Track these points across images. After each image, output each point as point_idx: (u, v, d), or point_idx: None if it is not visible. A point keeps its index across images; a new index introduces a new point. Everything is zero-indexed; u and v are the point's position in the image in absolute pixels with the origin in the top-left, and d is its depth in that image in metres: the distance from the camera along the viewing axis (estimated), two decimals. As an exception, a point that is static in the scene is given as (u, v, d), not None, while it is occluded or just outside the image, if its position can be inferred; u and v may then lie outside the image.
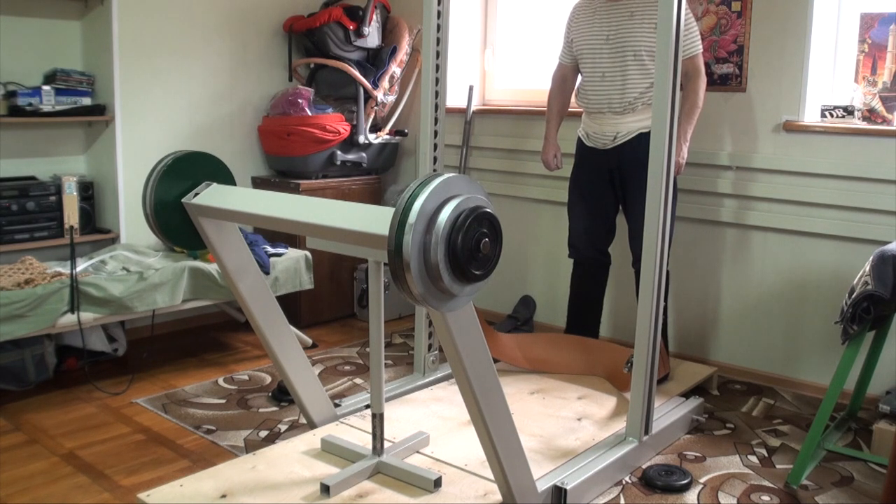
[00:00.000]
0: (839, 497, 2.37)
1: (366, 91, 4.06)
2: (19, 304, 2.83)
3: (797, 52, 3.14)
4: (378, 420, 2.27)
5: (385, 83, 4.13)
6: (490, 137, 4.10)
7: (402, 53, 4.18)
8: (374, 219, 1.78)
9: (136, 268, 3.20)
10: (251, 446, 2.62)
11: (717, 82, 3.32)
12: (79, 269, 3.10)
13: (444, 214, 1.60)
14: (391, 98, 4.22)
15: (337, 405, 2.75)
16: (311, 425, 2.59)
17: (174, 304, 3.25)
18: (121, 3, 3.46)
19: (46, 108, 3.31)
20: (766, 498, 2.36)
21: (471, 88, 4.13)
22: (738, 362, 3.44)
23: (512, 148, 4.01)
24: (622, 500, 2.34)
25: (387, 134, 4.24)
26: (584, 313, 3.32)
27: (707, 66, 3.27)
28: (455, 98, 4.08)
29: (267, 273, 3.45)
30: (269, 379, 3.31)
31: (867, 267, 2.38)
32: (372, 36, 4.12)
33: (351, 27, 4.03)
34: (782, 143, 3.21)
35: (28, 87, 3.30)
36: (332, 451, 2.39)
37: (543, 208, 3.95)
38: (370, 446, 2.30)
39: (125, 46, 3.54)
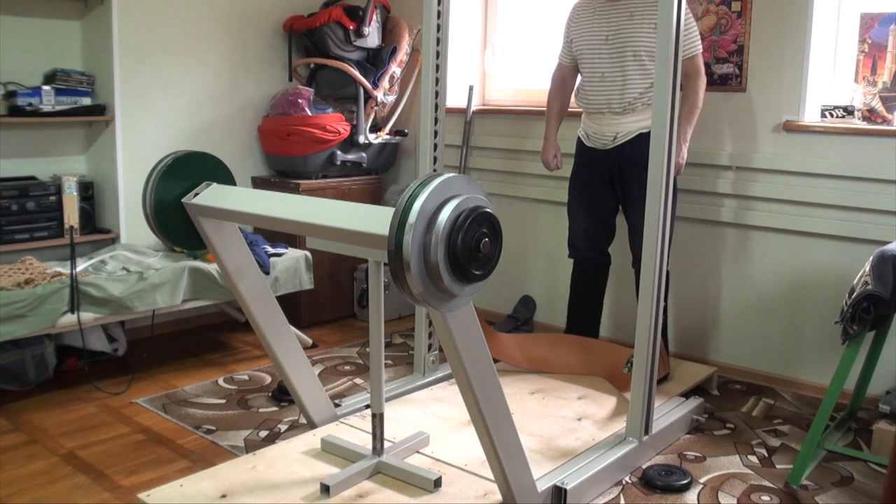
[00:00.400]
0: (839, 497, 2.37)
1: (366, 91, 4.06)
2: (19, 304, 2.83)
3: (797, 52, 3.14)
4: (378, 420, 2.27)
5: (385, 83, 4.13)
6: (490, 137, 4.10)
7: (402, 53, 4.18)
8: (374, 219, 1.78)
9: (136, 268, 3.20)
10: (251, 446, 2.62)
11: (717, 82, 3.32)
12: (79, 269, 3.10)
13: (444, 214, 1.60)
14: (391, 98, 4.22)
15: (337, 405, 2.75)
16: (311, 425, 2.59)
17: (174, 304, 3.25)
18: (121, 3, 3.46)
19: (46, 108, 3.31)
20: (766, 498, 2.36)
21: (471, 88, 4.13)
22: (738, 362, 3.44)
23: (512, 148, 4.01)
24: (622, 500, 2.34)
25: (387, 134, 4.24)
26: (584, 313, 3.32)
27: (707, 66, 3.27)
28: (455, 98, 4.08)
29: (267, 273, 3.45)
30: (269, 379, 3.31)
31: (867, 267, 2.38)
32: (372, 36, 4.12)
33: (351, 27, 4.03)
34: (782, 143, 3.21)
35: (28, 87, 3.30)
36: (332, 451, 2.39)
37: (543, 208, 3.95)
38: (370, 446, 2.30)
39: (125, 46, 3.54)
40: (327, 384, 3.22)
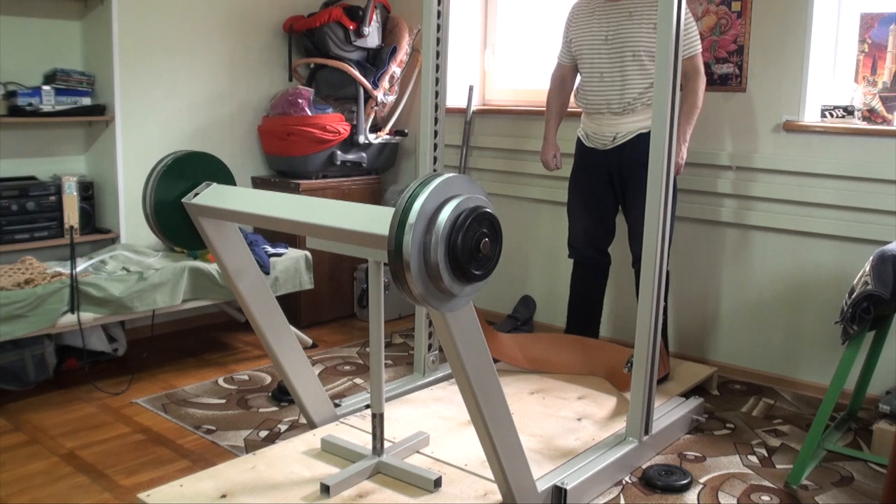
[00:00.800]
0: (839, 497, 2.37)
1: (366, 91, 4.06)
2: (19, 304, 2.83)
3: (797, 52, 3.14)
4: (378, 420, 2.27)
5: (385, 83, 4.13)
6: (490, 137, 4.10)
7: (402, 53, 4.18)
8: (374, 219, 1.78)
9: (136, 268, 3.20)
10: (251, 446, 2.62)
11: (717, 82, 3.32)
12: (79, 269, 3.10)
13: (444, 214, 1.60)
14: (391, 98, 4.22)
15: (337, 405, 2.75)
16: (311, 425, 2.59)
17: (174, 304, 3.25)
18: (121, 3, 3.46)
19: (46, 108, 3.31)
20: (766, 498, 2.36)
21: (471, 88, 4.13)
22: (738, 362, 3.44)
23: (512, 148, 4.01)
24: (622, 500, 2.34)
25: (387, 134, 4.24)
26: (584, 313, 3.32)
27: (707, 66, 3.27)
28: (455, 98, 4.08)
29: (267, 273, 3.45)
30: (269, 379, 3.31)
31: (867, 267, 2.38)
32: (372, 36, 4.12)
33: (351, 27, 4.03)
34: (782, 143, 3.21)
35: (28, 87, 3.30)
36: (332, 451, 2.39)
37: (543, 208, 3.95)
38: (370, 446, 2.30)
39: (125, 46, 3.54)
40: (327, 384, 3.22)
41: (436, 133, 2.93)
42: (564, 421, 2.70)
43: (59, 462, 2.54)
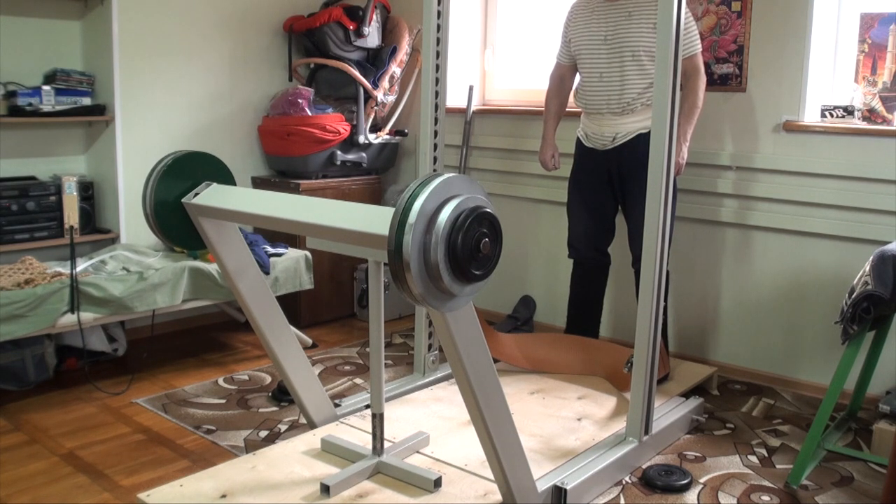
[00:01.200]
0: (839, 497, 2.37)
1: (366, 91, 4.06)
2: (19, 304, 2.83)
3: (797, 52, 3.14)
4: (378, 420, 2.27)
5: (385, 83, 4.13)
6: (490, 137, 4.10)
7: (402, 53, 4.18)
8: (374, 219, 1.78)
9: (136, 268, 3.20)
10: (251, 446, 2.62)
11: (717, 82, 3.32)
12: (79, 269, 3.10)
13: (444, 214, 1.60)
14: (391, 98, 4.22)
15: (337, 405, 2.75)
16: (311, 425, 2.59)
17: (174, 304, 3.25)
18: (121, 3, 3.46)
19: (46, 108, 3.31)
20: (766, 498, 2.36)
21: (471, 88, 4.13)
22: (738, 362, 3.44)
23: (512, 148, 4.01)
24: (622, 500, 2.34)
25: (387, 134, 4.24)
26: (583, 313, 3.32)
27: (707, 66, 3.27)
28: (455, 98, 4.08)
29: (267, 273, 3.45)
30: (269, 379, 3.31)
31: (867, 267, 2.38)
32: (372, 36, 4.12)
33: (351, 27, 4.03)
34: (782, 143, 3.21)
35: (28, 87, 3.30)
36: (332, 451, 2.39)
37: (543, 208, 3.95)
38: (370, 446, 2.30)
39: (125, 46, 3.54)
40: (327, 384, 3.22)
41: (436, 133, 2.93)
42: (564, 421, 2.70)
43: (59, 462, 2.54)
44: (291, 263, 3.61)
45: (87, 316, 3.02)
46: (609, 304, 3.58)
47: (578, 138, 3.22)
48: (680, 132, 2.92)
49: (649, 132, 2.39)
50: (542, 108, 3.37)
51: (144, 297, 3.14)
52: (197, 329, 3.99)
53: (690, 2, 3.31)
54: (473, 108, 4.14)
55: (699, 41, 2.99)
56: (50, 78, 3.39)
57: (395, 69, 4.17)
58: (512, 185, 4.04)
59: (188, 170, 2.24)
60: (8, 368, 3.07)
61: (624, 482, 2.44)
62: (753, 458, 2.63)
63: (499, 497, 2.10)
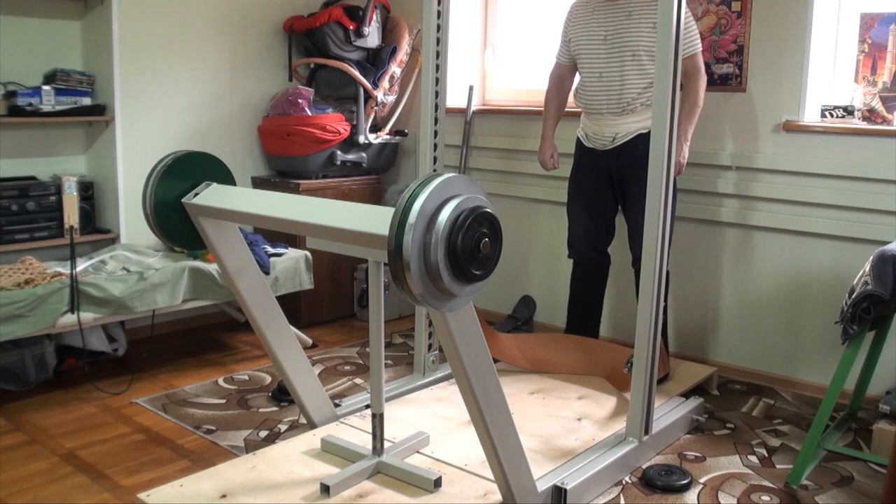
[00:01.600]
0: (839, 497, 2.37)
1: (366, 91, 4.06)
2: (19, 304, 2.83)
3: (797, 52, 3.14)
4: (378, 420, 2.27)
5: (385, 83, 4.13)
6: (490, 137, 4.10)
7: (402, 53, 4.18)
8: (374, 219, 1.78)
9: (136, 268, 3.20)
10: (251, 446, 2.62)
11: (717, 82, 3.32)
12: (79, 269, 3.10)
13: (444, 214, 1.60)
14: (391, 98, 4.22)
15: (337, 405, 2.75)
16: (311, 425, 2.59)
17: (174, 304, 3.25)
18: (121, 3, 3.46)
19: (46, 108, 3.31)
20: (766, 498, 2.36)
21: (471, 88, 4.13)
22: (738, 362, 3.43)
23: (512, 148, 4.01)
24: (622, 500, 2.34)
25: (387, 134, 4.24)
26: (583, 313, 3.32)
27: (707, 66, 3.27)
28: (455, 98, 4.08)
29: (267, 273, 3.45)
30: (269, 379, 3.31)
31: (867, 267, 2.38)
32: (372, 36, 4.12)
33: (351, 27, 4.03)
34: (782, 143, 3.21)
35: (28, 87, 3.30)
36: (332, 451, 2.39)
37: (543, 208, 3.95)
38: (370, 446, 2.30)
39: (125, 46, 3.54)
40: (327, 384, 3.22)
41: (436, 133, 2.93)
42: (564, 421, 2.70)
43: (59, 462, 2.54)
44: (291, 263, 3.61)
45: (87, 316, 3.02)
46: (609, 304, 3.58)
47: (578, 138, 3.22)
48: (680, 132, 2.92)
49: (649, 132, 2.39)
50: (542, 108, 3.37)
51: (144, 297, 3.14)
52: (197, 329, 3.99)
53: (690, 2, 3.31)
54: (473, 108, 4.14)
55: (699, 41, 2.99)
56: (50, 78, 3.39)
57: (395, 69, 4.17)
58: (512, 185, 4.04)
59: (188, 170, 2.24)
60: (8, 368, 3.07)
61: (624, 482, 2.44)
62: (753, 458, 2.63)
63: (499, 497, 2.10)
